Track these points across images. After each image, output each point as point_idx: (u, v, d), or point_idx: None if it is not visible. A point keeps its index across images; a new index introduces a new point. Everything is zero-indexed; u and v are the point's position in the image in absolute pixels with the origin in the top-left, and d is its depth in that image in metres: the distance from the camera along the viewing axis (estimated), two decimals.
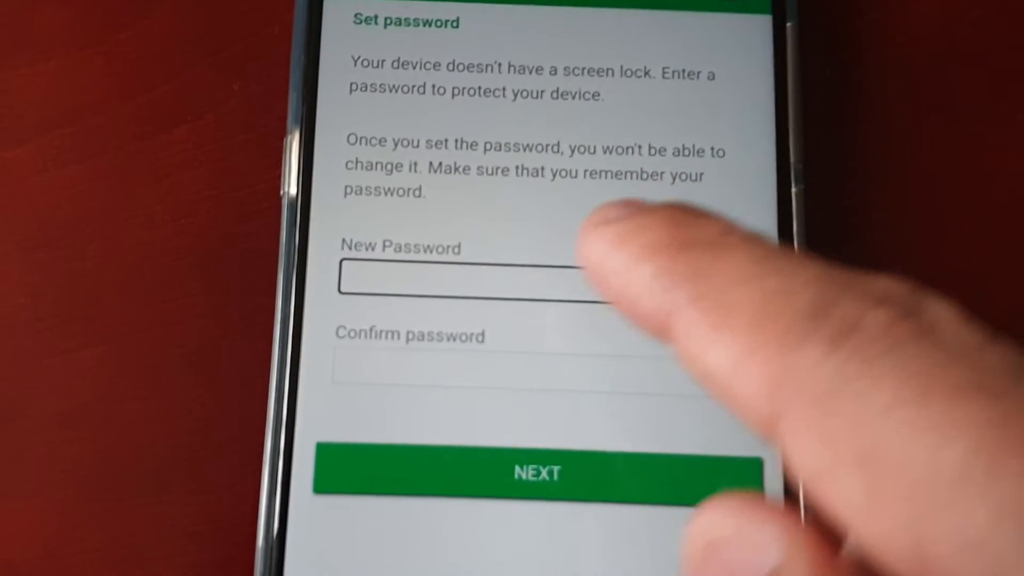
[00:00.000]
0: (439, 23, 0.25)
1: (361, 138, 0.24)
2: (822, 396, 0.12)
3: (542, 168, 0.24)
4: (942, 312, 0.12)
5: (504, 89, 0.25)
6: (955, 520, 0.11)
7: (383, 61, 0.25)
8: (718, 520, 0.13)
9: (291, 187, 0.24)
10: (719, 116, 0.25)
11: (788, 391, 0.12)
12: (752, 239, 0.13)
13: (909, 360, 0.11)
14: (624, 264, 0.14)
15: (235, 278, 0.25)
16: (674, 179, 0.24)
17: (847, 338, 0.12)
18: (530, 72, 0.25)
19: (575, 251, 0.15)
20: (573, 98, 0.25)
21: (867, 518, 0.11)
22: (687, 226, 0.14)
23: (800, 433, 0.12)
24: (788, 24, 0.25)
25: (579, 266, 0.15)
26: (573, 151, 0.24)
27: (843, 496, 0.12)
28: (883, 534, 0.11)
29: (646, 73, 0.25)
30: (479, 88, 0.25)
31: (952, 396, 0.11)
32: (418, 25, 0.25)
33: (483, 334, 0.23)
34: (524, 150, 0.24)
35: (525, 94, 0.25)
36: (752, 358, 0.12)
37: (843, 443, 0.11)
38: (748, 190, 0.24)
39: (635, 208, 0.14)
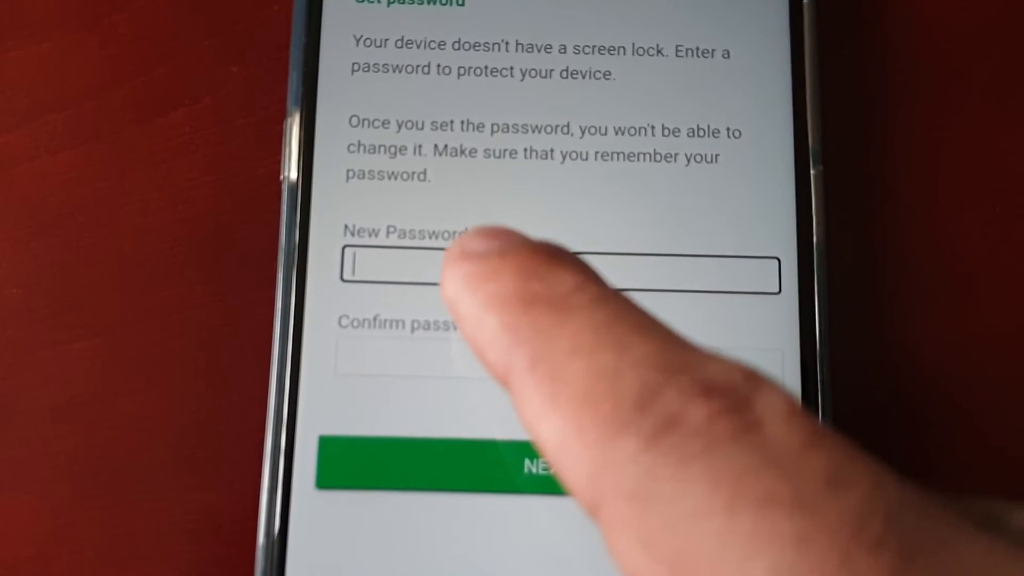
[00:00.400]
0: (444, 0, 0.24)
1: (364, 120, 0.24)
2: (637, 493, 0.11)
3: (551, 150, 0.24)
4: (770, 408, 0.12)
5: (512, 68, 0.24)
6: None
7: (386, 40, 0.24)
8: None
9: (291, 172, 0.23)
10: (735, 95, 0.24)
11: (606, 482, 0.12)
12: (600, 300, 0.13)
13: (723, 463, 0.11)
14: (471, 312, 0.14)
15: (234, 266, 0.25)
16: (689, 161, 0.24)
17: (666, 433, 0.11)
18: (539, 51, 0.24)
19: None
20: (583, 77, 0.24)
21: None
22: (538, 279, 0.13)
23: (617, 528, 0.12)
24: (805, 0, 0.25)
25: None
26: (584, 132, 0.24)
27: None
28: None
29: (659, 51, 0.24)
30: (486, 67, 0.24)
31: (760, 508, 0.11)
32: (422, 2, 0.24)
33: None
34: (533, 132, 0.24)
35: (533, 73, 0.24)
36: (576, 441, 0.12)
37: (656, 546, 0.11)
38: (765, 172, 0.24)
39: (494, 244, 0.14)
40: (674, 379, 0.12)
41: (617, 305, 0.13)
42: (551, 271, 0.13)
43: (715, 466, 0.11)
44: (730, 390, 0.12)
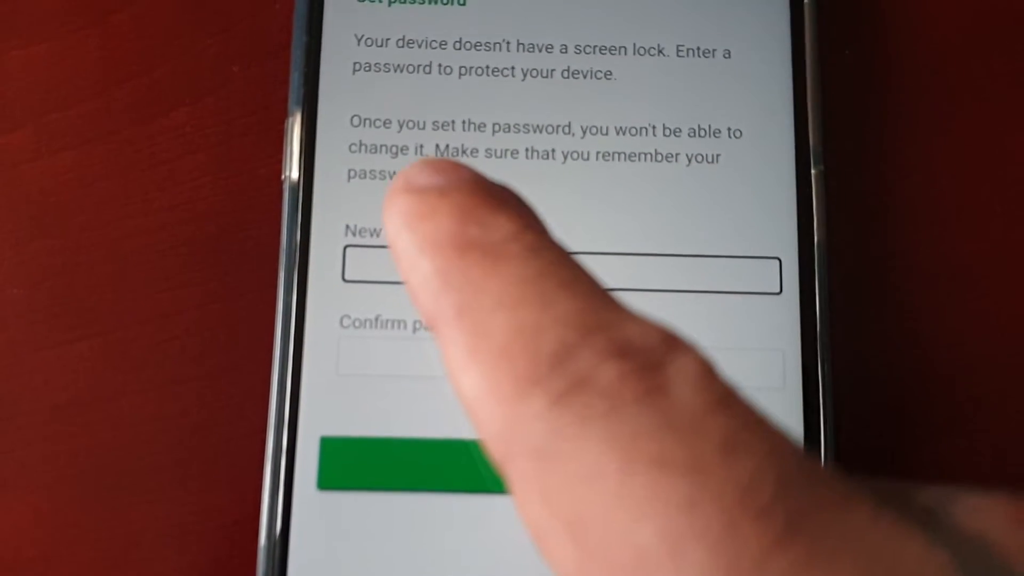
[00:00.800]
0: (445, 0, 0.24)
1: (365, 120, 0.24)
2: (540, 451, 0.11)
3: (553, 150, 0.24)
4: (682, 370, 0.12)
5: (513, 68, 0.24)
6: None
7: (388, 40, 0.24)
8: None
9: (293, 171, 0.23)
10: (736, 95, 0.24)
11: (514, 438, 0.12)
12: (532, 253, 0.13)
13: (623, 424, 0.11)
14: (408, 250, 0.13)
15: (235, 266, 0.25)
16: (690, 160, 0.24)
17: (574, 392, 0.11)
18: (540, 50, 0.24)
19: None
20: (585, 77, 0.24)
21: None
22: (476, 222, 0.13)
23: (520, 485, 0.12)
24: (806, 0, 0.25)
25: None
26: (585, 132, 0.24)
27: (558, 558, 0.11)
28: None
29: (660, 51, 0.24)
30: (487, 67, 0.24)
31: (653, 471, 0.11)
32: (424, 2, 0.24)
33: None
34: (534, 131, 0.24)
35: (535, 73, 0.24)
36: (492, 395, 0.12)
37: (556, 504, 0.11)
38: (766, 171, 0.24)
39: (440, 179, 0.14)
40: (591, 338, 0.12)
41: (550, 257, 0.13)
42: (490, 215, 0.13)
43: (615, 428, 0.11)
44: (644, 351, 0.12)
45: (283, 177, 0.23)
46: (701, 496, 0.11)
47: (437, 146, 0.23)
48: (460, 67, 0.24)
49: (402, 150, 0.23)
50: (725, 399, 0.11)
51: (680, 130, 0.24)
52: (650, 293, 0.23)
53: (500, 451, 0.12)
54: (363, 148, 0.23)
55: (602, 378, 0.11)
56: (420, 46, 0.24)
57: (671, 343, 0.12)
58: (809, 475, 0.11)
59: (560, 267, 0.13)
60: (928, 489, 0.13)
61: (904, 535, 0.11)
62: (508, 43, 0.24)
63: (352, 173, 0.23)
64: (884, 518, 0.11)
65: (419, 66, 0.24)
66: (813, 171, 0.24)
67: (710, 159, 0.24)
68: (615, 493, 0.11)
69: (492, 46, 0.24)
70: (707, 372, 0.12)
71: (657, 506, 0.11)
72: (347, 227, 0.23)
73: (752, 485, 0.11)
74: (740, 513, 0.10)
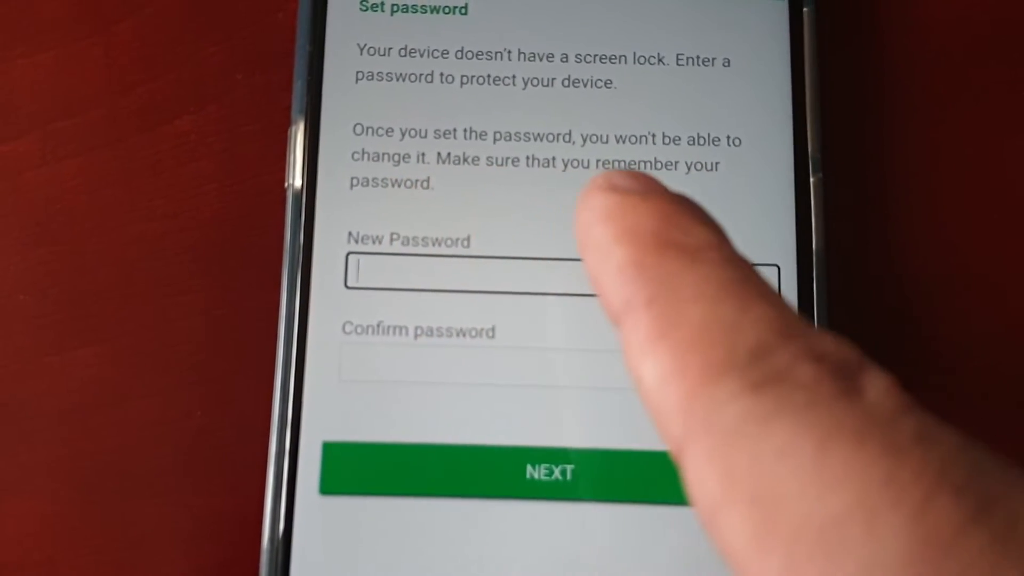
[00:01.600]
0: (447, 9, 0.24)
1: (368, 128, 0.24)
2: (729, 431, 0.12)
3: (553, 158, 0.24)
4: (874, 381, 0.12)
5: (514, 77, 0.24)
6: (826, 570, 0.11)
7: (390, 49, 0.24)
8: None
9: (296, 179, 0.23)
10: (735, 104, 0.24)
11: (699, 418, 0.12)
12: (730, 262, 0.13)
13: (821, 413, 0.12)
14: (603, 240, 0.14)
15: (239, 273, 0.25)
16: (689, 169, 0.24)
17: (770, 384, 0.12)
18: (541, 59, 0.24)
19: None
20: (585, 86, 0.24)
21: (750, 557, 0.11)
22: (676, 227, 0.14)
23: (701, 462, 0.12)
24: (805, 9, 0.25)
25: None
26: (585, 140, 0.24)
27: (732, 532, 0.12)
28: (762, 575, 0.11)
29: (660, 60, 0.24)
30: (488, 76, 0.24)
31: (851, 448, 0.11)
32: (426, 12, 0.24)
33: (493, 329, 0.23)
34: (535, 140, 0.24)
35: (536, 82, 0.24)
36: (677, 378, 0.12)
37: (739, 480, 0.12)
38: (765, 179, 0.24)
39: (640, 185, 0.14)
40: (790, 342, 0.12)
41: (746, 269, 0.13)
42: (690, 223, 0.14)
43: (813, 414, 0.11)
44: (840, 361, 0.12)
45: (286, 184, 0.23)
46: (900, 472, 0.11)
47: (439, 154, 0.24)
48: (462, 76, 0.24)
49: (404, 158, 0.24)
50: (916, 405, 0.12)
51: (680, 138, 0.24)
52: None
53: (679, 431, 0.12)
54: (365, 156, 0.24)
55: (799, 375, 0.12)
56: (422, 55, 0.24)
57: (863, 358, 0.12)
58: (999, 466, 0.11)
59: (756, 280, 0.13)
60: None
61: None
62: (509, 52, 0.24)
63: (355, 181, 0.23)
64: None
65: (421, 75, 0.24)
66: (812, 179, 0.24)
67: (709, 167, 0.24)
68: (810, 467, 0.11)
69: (493, 55, 0.24)
70: (898, 385, 0.12)
71: (854, 478, 0.11)
72: (350, 234, 0.23)
73: (947, 467, 0.11)
74: (937, 489, 0.11)
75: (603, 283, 0.14)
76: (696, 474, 0.12)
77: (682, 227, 0.14)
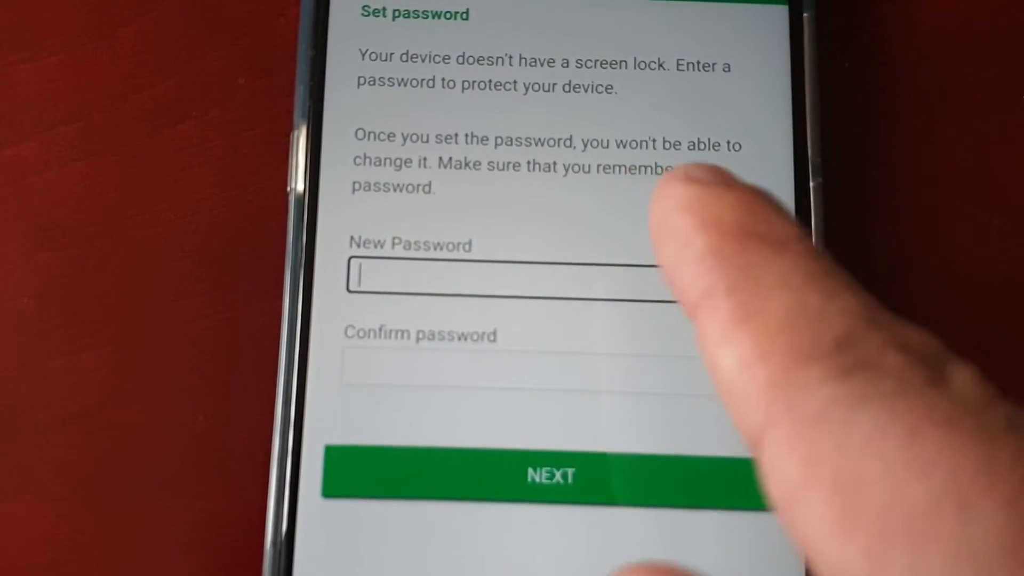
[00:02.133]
0: (448, 15, 0.25)
1: (369, 133, 0.24)
2: (814, 416, 0.11)
3: (554, 163, 0.24)
4: (961, 371, 0.12)
5: (515, 82, 0.24)
6: (913, 556, 0.10)
7: (391, 54, 0.24)
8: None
9: (298, 183, 0.23)
10: (735, 109, 0.24)
11: (783, 403, 0.12)
12: (814, 254, 0.13)
13: (911, 400, 0.11)
14: (683, 229, 0.14)
15: (241, 277, 0.25)
16: None
17: (857, 370, 0.12)
18: (542, 65, 0.24)
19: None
20: (586, 91, 0.24)
21: (831, 543, 0.11)
22: (759, 217, 0.13)
23: (783, 447, 0.12)
24: (805, 14, 0.25)
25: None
26: (586, 145, 0.24)
27: (812, 518, 0.11)
28: (843, 561, 0.11)
29: (660, 65, 0.24)
30: (490, 81, 0.24)
31: (941, 430, 0.11)
32: (427, 17, 0.25)
33: (495, 333, 0.23)
34: (536, 144, 0.24)
35: (537, 87, 0.24)
36: (759, 364, 0.12)
37: (824, 465, 0.11)
38: (765, 184, 0.23)
39: (719, 177, 0.14)
40: (876, 331, 0.12)
41: (830, 263, 0.13)
42: (773, 215, 0.14)
43: (902, 401, 0.11)
44: (925, 351, 0.12)
45: (288, 189, 0.24)
46: (994, 459, 0.11)
47: (440, 159, 0.24)
48: (463, 81, 0.24)
49: (406, 163, 0.24)
50: (1001, 395, 0.12)
51: (680, 143, 0.24)
52: (651, 304, 0.23)
53: (759, 417, 0.12)
54: (367, 161, 0.24)
55: (887, 362, 0.12)
56: (424, 60, 0.24)
57: (947, 350, 0.12)
58: None
59: (840, 272, 0.13)
60: None
61: None
62: (511, 57, 0.24)
63: (356, 185, 0.24)
64: None
65: (423, 80, 0.24)
66: (812, 183, 0.24)
67: None
68: (899, 452, 0.11)
69: (495, 60, 0.24)
70: (984, 377, 0.12)
71: (944, 465, 0.11)
72: (352, 238, 0.23)
73: None
74: None
75: (681, 272, 0.13)
76: (776, 459, 0.12)
77: (766, 219, 0.13)
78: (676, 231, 0.14)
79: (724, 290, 0.13)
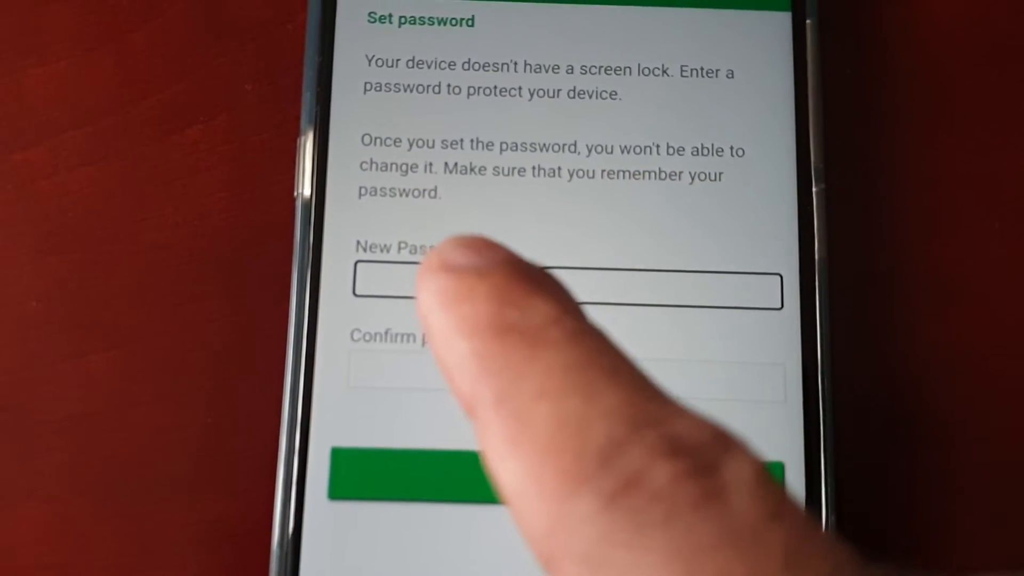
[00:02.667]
0: (454, 21, 0.25)
1: (376, 138, 0.24)
2: (589, 556, 0.11)
3: (559, 168, 0.24)
4: (737, 474, 0.11)
5: (520, 88, 0.24)
6: None
7: (398, 60, 0.24)
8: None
9: (305, 188, 0.24)
10: (738, 115, 0.24)
11: (559, 540, 0.11)
12: (575, 337, 0.13)
13: (681, 535, 0.11)
14: (443, 330, 0.13)
15: (248, 281, 0.25)
16: (693, 179, 0.24)
17: (626, 494, 0.11)
18: (546, 71, 0.24)
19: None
20: (590, 97, 0.24)
21: None
22: (513, 305, 0.13)
23: None
24: (808, 21, 0.25)
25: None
26: (590, 151, 0.24)
27: None
28: None
29: (664, 71, 0.25)
30: (495, 87, 0.24)
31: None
32: (433, 24, 0.25)
33: None
34: (541, 150, 0.24)
35: (541, 93, 0.24)
36: (534, 490, 0.12)
37: None
38: (768, 190, 0.24)
39: (475, 258, 0.14)
40: (640, 434, 0.11)
41: (592, 344, 0.13)
42: (528, 298, 0.13)
43: (673, 537, 0.11)
44: (697, 450, 0.11)
45: (295, 194, 0.24)
46: None
47: (446, 164, 0.24)
48: (468, 87, 0.24)
49: (412, 168, 0.24)
50: (781, 508, 0.11)
51: (684, 149, 0.24)
52: (654, 308, 0.23)
53: (544, 552, 0.12)
54: (374, 166, 0.24)
55: (655, 479, 0.11)
56: (429, 66, 0.24)
57: (723, 441, 0.12)
58: None
59: (602, 354, 0.12)
60: None
61: None
62: (516, 63, 0.25)
63: (363, 190, 0.24)
64: None
65: (428, 86, 0.24)
66: (814, 189, 0.24)
67: (713, 177, 0.24)
68: None
69: (500, 66, 0.24)
70: (762, 476, 0.11)
71: None
72: (358, 243, 0.23)
73: None
74: None
75: (451, 376, 0.13)
76: None
77: (520, 305, 0.13)
78: (438, 332, 0.13)
79: (492, 403, 0.12)
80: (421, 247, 0.23)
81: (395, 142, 0.24)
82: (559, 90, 0.24)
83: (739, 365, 0.23)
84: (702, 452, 0.11)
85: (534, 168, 0.24)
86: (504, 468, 0.12)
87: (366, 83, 0.24)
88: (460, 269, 0.13)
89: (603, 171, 0.24)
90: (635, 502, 0.11)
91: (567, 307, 0.13)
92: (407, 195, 0.24)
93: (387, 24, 0.25)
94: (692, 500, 0.11)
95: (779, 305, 0.23)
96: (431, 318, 0.13)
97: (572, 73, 0.24)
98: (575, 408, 0.12)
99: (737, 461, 0.11)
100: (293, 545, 0.22)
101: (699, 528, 0.11)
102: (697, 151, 0.24)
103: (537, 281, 0.13)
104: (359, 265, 0.23)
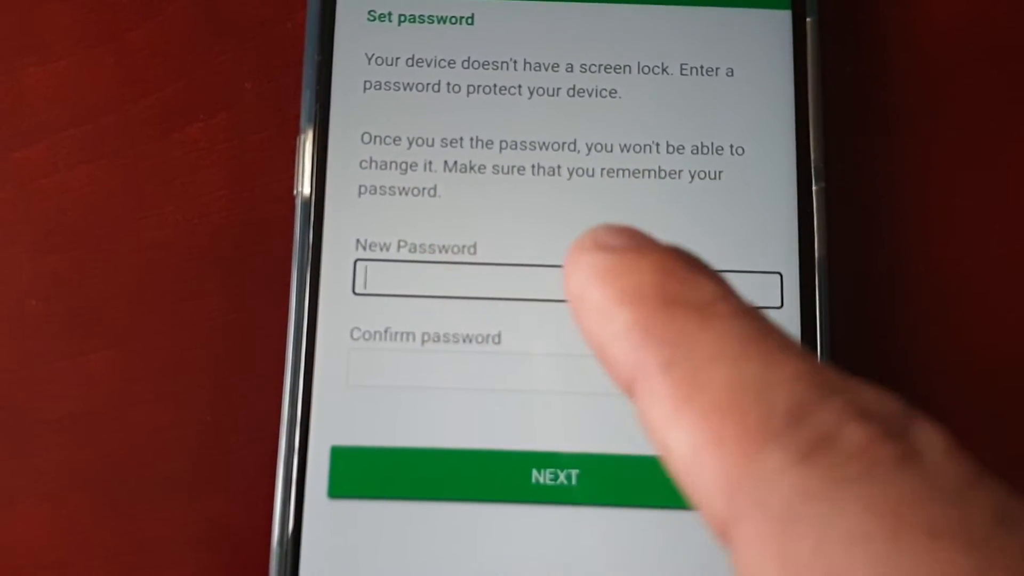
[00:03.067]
0: (454, 20, 0.25)
1: (375, 137, 0.24)
2: (784, 512, 0.11)
3: (558, 167, 0.24)
4: (930, 439, 0.11)
5: (520, 87, 0.24)
6: None
7: (397, 59, 0.24)
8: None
9: (305, 187, 0.24)
10: (738, 113, 0.24)
11: (747, 497, 0.11)
12: (743, 313, 0.12)
13: (884, 489, 0.10)
14: (602, 303, 0.13)
15: (248, 279, 0.25)
16: (692, 177, 0.24)
17: (820, 451, 0.11)
18: (546, 69, 0.24)
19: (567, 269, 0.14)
20: (590, 95, 0.24)
21: None
22: (679, 280, 0.13)
23: (756, 546, 0.11)
24: (808, 19, 0.25)
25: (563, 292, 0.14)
26: (590, 149, 0.24)
27: None
28: None
29: (664, 70, 0.25)
30: (495, 86, 0.24)
31: (926, 538, 0.10)
32: (432, 22, 0.25)
33: (499, 335, 0.23)
34: (540, 148, 0.24)
35: (541, 92, 0.24)
36: (713, 450, 0.11)
37: (801, 567, 0.10)
38: (768, 188, 0.24)
39: (631, 240, 0.13)
40: (829, 398, 0.11)
41: (762, 320, 0.12)
42: (692, 276, 0.13)
43: (876, 490, 0.10)
44: (887, 417, 0.11)
45: (295, 192, 0.24)
46: (978, 569, 0.10)
47: (446, 162, 0.24)
48: (468, 85, 0.24)
49: (411, 166, 0.24)
50: (980, 472, 0.11)
51: (683, 147, 0.24)
52: None
53: (725, 510, 0.11)
54: (373, 164, 0.24)
55: (849, 439, 0.11)
56: (429, 65, 0.24)
57: (910, 412, 0.11)
58: None
59: (774, 330, 0.12)
60: None
61: None
62: (515, 62, 0.25)
63: (363, 189, 0.24)
64: None
65: (428, 84, 0.24)
66: (814, 187, 0.24)
67: (713, 176, 0.24)
68: (882, 558, 0.10)
69: (500, 65, 0.24)
70: (955, 444, 0.11)
71: (936, 575, 0.10)
72: (358, 241, 0.23)
73: None
74: None
75: (607, 350, 0.13)
76: (750, 559, 0.11)
77: (686, 280, 0.13)
78: (595, 305, 0.13)
79: (659, 369, 0.12)
80: (421, 245, 0.23)
81: (395, 140, 0.24)
82: (559, 88, 0.24)
83: None
84: (892, 419, 0.11)
85: (534, 167, 0.24)
86: (675, 434, 0.12)
87: (366, 81, 0.24)
88: (619, 248, 0.13)
89: (603, 170, 0.24)
90: (831, 458, 0.11)
91: (729, 288, 0.13)
92: (407, 193, 0.24)
93: (387, 22, 0.25)
94: (890, 459, 0.11)
95: (779, 304, 0.23)
96: (586, 294, 0.13)
97: (572, 71, 0.24)
98: (756, 371, 0.12)
99: (927, 431, 0.11)
100: (293, 544, 0.22)
101: (903, 484, 0.10)
102: (697, 150, 0.24)
103: (697, 263, 0.13)
104: (359, 263, 0.23)
